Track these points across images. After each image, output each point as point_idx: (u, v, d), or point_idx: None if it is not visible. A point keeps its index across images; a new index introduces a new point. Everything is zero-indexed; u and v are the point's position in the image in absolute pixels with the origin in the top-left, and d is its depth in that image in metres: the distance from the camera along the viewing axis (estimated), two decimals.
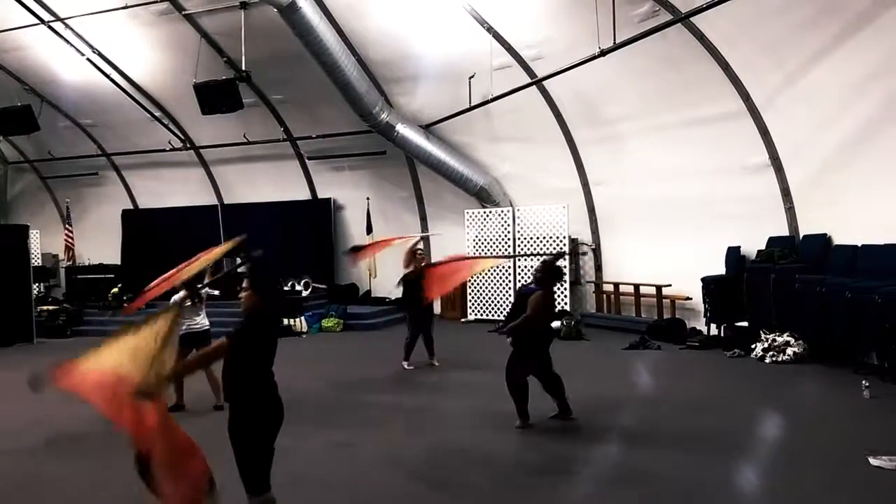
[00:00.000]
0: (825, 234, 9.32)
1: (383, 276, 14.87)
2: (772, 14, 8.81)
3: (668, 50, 10.03)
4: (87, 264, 17.04)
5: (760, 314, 9.59)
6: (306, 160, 15.70)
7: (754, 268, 9.89)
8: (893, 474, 4.59)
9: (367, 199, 15.03)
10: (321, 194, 16.02)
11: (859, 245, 8.53)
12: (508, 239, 13.47)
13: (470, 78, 11.89)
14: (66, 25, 12.85)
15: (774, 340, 8.89)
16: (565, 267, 5.97)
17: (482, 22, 11.39)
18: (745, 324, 10.03)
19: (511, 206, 13.76)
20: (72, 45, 13.26)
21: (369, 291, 15.39)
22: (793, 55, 9.05)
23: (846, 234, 8.92)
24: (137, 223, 17.63)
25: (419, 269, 8.63)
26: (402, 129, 13.27)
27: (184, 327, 6.85)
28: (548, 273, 6.10)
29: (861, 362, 7.81)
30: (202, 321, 7.15)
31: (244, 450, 3.50)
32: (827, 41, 8.52)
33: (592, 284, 13.37)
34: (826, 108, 9.00)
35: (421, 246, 9.43)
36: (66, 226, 17.63)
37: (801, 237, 9.87)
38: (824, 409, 6.58)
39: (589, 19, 9.40)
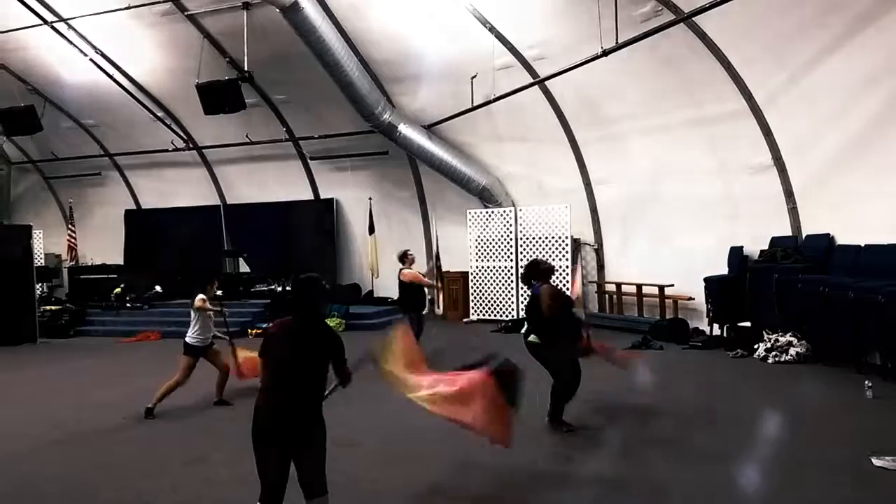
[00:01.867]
0: (828, 234, 9.30)
1: (385, 276, 14.89)
2: (774, 14, 8.80)
3: (671, 50, 10.02)
4: (89, 264, 17.13)
5: (763, 314, 9.57)
6: (309, 160, 15.71)
7: (757, 268, 9.87)
8: None
9: (370, 199, 15.04)
10: (323, 194, 16.03)
11: (863, 245, 8.52)
12: (511, 239, 13.46)
13: (472, 78, 11.89)
14: (69, 26, 12.89)
15: (777, 341, 8.87)
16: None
17: (484, 22, 11.39)
18: (747, 324, 10.01)
19: (513, 206, 13.76)
20: (75, 45, 13.31)
21: (372, 291, 15.39)
22: (795, 55, 9.04)
23: (849, 234, 8.91)
24: (140, 223, 17.70)
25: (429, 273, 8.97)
26: (405, 130, 13.27)
27: (199, 339, 6.96)
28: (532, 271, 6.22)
29: (864, 362, 7.78)
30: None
31: (323, 453, 3.66)
32: (829, 41, 8.51)
33: (595, 284, 13.36)
34: (828, 108, 8.98)
35: (411, 250, 9.66)
36: (69, 226, 17.68)
37: (804, 237, 9.85)
38: (827, 410, 6.55)
39: (591, 19, 9.40)
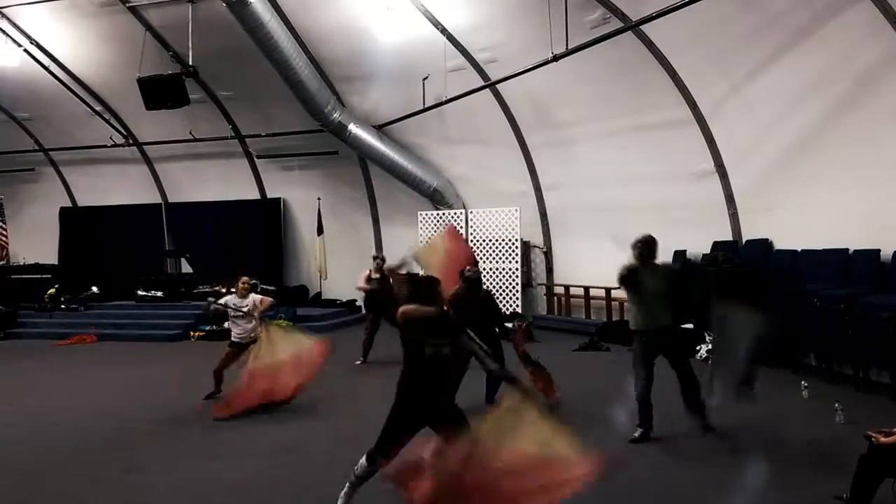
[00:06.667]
0: (766, 239, 9.62)
1: (333, 278, 14.70)
2: (718, 25, 9.03)
3: (619, 57, 10.19)
4: (21, 264, 16.38)
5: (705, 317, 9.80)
6: (255, 159, 15.39)
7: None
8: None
9: (318, 199, 14.81)
10: (271, 194, 15.73)
11: (798, 250, 8.83)
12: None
13: (424, 79, 11.85)
14: (3, 14, 12.29)
15: None
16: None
17: (436, 23, 11.37)
18: (690, 326, 10.24)
19: (464, 208, 13.77)
20: (8, 35, 12.70)
21: (320, 293, 15.17)
22: (737, 65, 9.32)
23: (786, 238, 9.24)
24: (76, 221, 17.05)
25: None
26: (355, 129, 13.13)
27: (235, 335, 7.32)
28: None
29: (800, 363, 8.07)
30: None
31: (388, 418, 4.22)
32: (770, 52, 8.80)
33: (544, 287, 13.49)
34: (768, 118, 9.29)
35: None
36: (0, 224, 16.85)
37: (743, 242, 10.16)
38: (764, 409, 6.73)
39: (542, 24, 9.48)
